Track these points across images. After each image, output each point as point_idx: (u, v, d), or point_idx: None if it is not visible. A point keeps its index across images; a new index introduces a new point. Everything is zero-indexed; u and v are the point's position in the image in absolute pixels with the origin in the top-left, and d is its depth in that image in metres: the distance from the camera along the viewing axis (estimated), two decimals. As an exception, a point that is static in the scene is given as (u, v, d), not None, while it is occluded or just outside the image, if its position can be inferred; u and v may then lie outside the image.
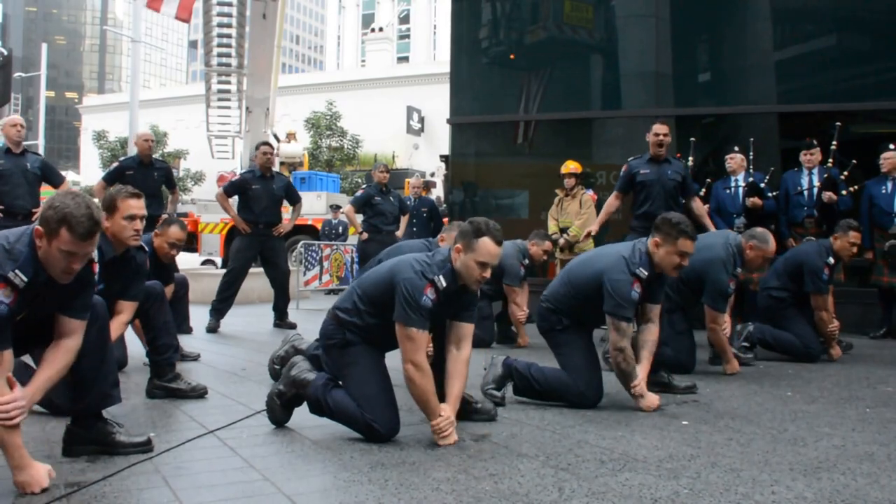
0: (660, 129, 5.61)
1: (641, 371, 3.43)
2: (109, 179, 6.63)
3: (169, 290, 4.33)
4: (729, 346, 4.47)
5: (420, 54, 64.84)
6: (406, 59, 63.44)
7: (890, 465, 2.52)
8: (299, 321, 6.83)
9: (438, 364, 3.01)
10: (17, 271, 2.12)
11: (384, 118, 38.51)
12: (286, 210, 6.97)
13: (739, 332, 4.94)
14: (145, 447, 2.56)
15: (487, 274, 2.78)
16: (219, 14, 13.85)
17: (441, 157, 16.57)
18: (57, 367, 2.32)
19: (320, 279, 10.29)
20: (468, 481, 2.29)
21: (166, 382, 3.56)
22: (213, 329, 6.29)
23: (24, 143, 6.51)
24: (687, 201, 5.67)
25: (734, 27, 7.86)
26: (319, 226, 13.50)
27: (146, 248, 3.55)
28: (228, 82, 14.49)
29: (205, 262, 14.27)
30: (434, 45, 65.72)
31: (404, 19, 68.58)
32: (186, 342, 4.99)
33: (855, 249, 5.05)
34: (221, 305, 6.41)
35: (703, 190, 6.56)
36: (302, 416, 2.99)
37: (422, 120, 39.84)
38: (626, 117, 8.11)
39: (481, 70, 9.02)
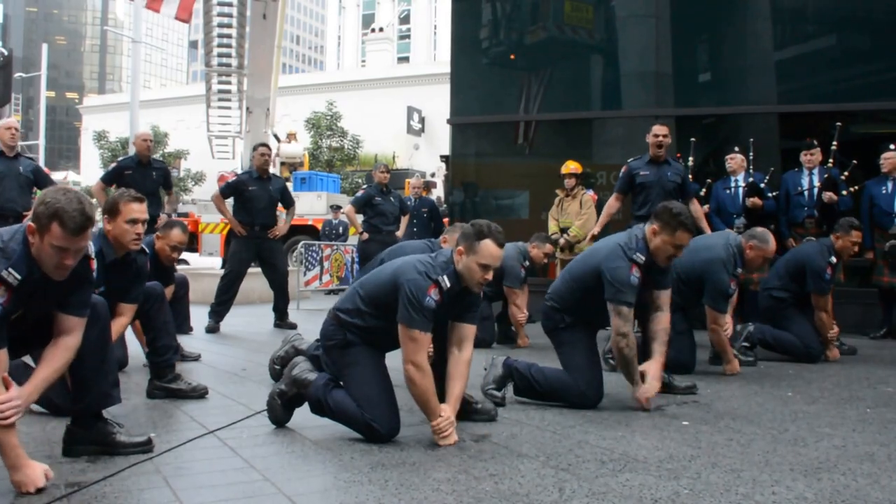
0: (659, 130, 5.62)
1: (654, 364, 3.41)
2: (108, 180, 6.64)
3: (169, 290, 4.33)
4: (730, 347, 4.47)
5: (420, 54, 64.86)
6: (406, 59, 63.46)
7: (890, 466, 2.51)
8: (300, 321, 6.83)
9: (439, 365, 3.01)
10: (10, 269, 2.11)
11: (384, 118, 38.52)
12: (282, 211, 6.97)
13: (740, 333, 4.94)
14: (145, 447, 2.56)
15: (489, 276, 2.78)
16: (219, 14, 13.87)
17: (441, 157, 16.58)
18: (55, 365, 2.32)
19: (320, 279, 10.29)
20: (468, 482, 2.29)
21: (166, 383, 3.56)
22: (212, 330, 6.29)
23: (25, 143, 6.54)
24: (685, 203, 5.68)
25: (734, 27, 7.86)
26: (320, 226, 13.50)
27: (147, 251, 3.55)
28: (229, 82, 14.51)
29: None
30: (434, 46, 65.75)
31: (405, 19, 68.59)
32: (187, 343, 5.00)
33: (857, 249, 5.06)
34: (220, 308, 6.41)
35: (704, 190, 6.57)
36: (302, 416, 3.00)
37: (422, 120, 39.85)
38: (626, 117, 8.11)
39: (482, 70, 9.03)
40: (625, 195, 5.88)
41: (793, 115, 7.41)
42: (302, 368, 3.00)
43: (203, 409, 3.36)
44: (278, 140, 17.90)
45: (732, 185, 6.34)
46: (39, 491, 2.14)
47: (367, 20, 70.53)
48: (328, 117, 34.30)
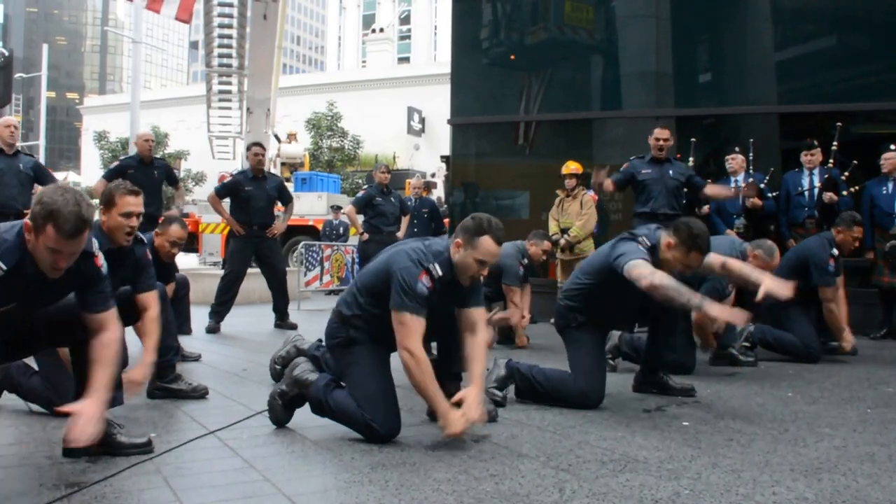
0: (660, 133, 5.63)
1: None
2: (110, 177, 6.64)
3: (170, 288, 4.33)
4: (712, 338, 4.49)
5: (421, 55, 64.87)
6: (407, 59, 63.46)
7: (891, 466, 2.51)
8: (300, 322, 6.83)
9: (441, 360, 3.03)
10: None
11: (385, 119, 38.49)
12: (280, 210, 6.97)
13: (740, 333, 4.94)
14: (146, 448, 2.56)
15: (485, 271, 2.79)
16: (219, 15, 13.87)
17: (442, 157, 16.58)
18: (109, 362, 2.35)
19: (321, 280, 10.29)
20: (469, 482, 2.29)
21: (167, 383, 3.56)
22: (213, 330, 6.30)
23: (26, 143, 6.53)
24: (697, 195, 5.76)
25: (734, 27, 7.86)
26: (320, 226, 13.50)
27: (145, 240, 3.54)
28: (229, 83, 14.51)
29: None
30: (435, 46, 65.76)
31: (405, 20, 68.60)
32: (187, 343, 5.00)
33: (857, 244, 5.06)
34: (221, 308, 6.42)
35: (704, 191, 6.57)
36: (303, 416, 3.00)
37: (422, 120, 39.83)
38: (626, 118, 8.12)
39: (482, 71, 9.03)
40: (620, 190, 5.90)
41: (793, 115, 7.41)
42: (303, 369, 3.00)
43: (203, 409, 3.36)
44: (279, 140, 17.91)
45: (732, 185, 6.34)
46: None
47: (368, 20, 70.54)
48: (328, 118, 34.29)
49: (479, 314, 2.91)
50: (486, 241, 2.72)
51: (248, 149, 6.75)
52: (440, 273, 2.74)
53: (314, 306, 9.19)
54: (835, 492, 2.23)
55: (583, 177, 7.23)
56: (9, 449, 2.66)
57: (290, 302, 6.97)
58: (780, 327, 5.06)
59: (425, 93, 39.08)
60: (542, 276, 7.30)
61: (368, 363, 2.84)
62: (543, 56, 8.60)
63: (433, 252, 2.80)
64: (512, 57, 8.82)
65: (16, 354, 2.63)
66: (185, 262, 13.73)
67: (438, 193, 15.35)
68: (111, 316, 2.39)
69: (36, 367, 3.20)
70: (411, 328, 2.67)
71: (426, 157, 31.95)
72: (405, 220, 8.01)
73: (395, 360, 2.91)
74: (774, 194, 6.31)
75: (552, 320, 7.11)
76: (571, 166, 7.08)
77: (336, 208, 13.40)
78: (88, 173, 43.71)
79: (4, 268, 2.11)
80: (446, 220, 9.29)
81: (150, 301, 3.31)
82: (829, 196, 5.95)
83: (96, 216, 2.66)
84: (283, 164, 17.68)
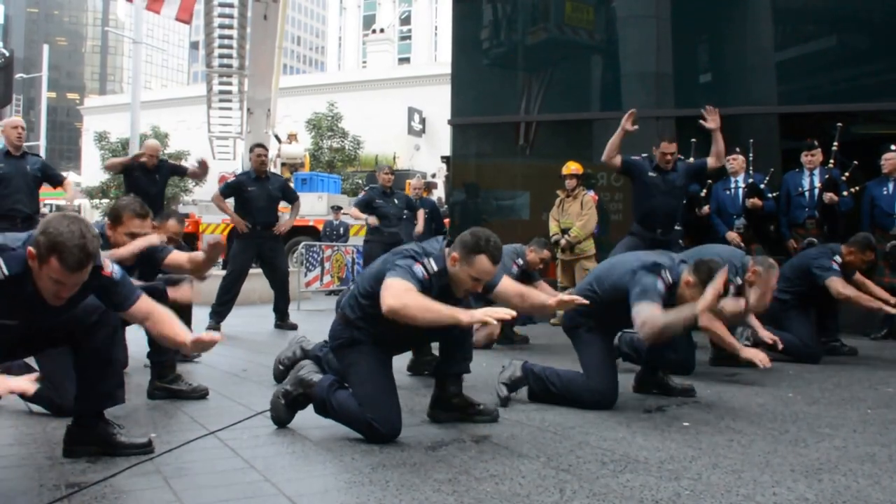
0: (667, 147, 5.55)
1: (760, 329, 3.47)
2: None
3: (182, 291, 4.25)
4: (730, 337, 4.41)
5: (421, 55, 64.84)
6: (407, 60, 63.44)
7: (891, 467, 2.51)
8: (300, 322, 6.83)
9: (441, 359, 3.05)
10: (1, 261, 2.09)
11: (385, 119, 38.48)
12: (284, 210, 6.98)
13: (740, 333, 4.93)
14: (146, 448, 2.56)
15: (479, 287, 2.81)
16: (220, 15, 13.88)
17: (442, 158, 16.58)
18: (171, 322, 2.47)
19: (321, 280, 10.29)
20: (469, 482, 2.29)
21: (167, 383, 3.56)
22: (213, 330, 6.29)
23: (27, 143, 6.51)
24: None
25: (735, 28, 7.86)
26: (320, 227, 13.50)
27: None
28: (230, 83, 14.51)
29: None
30: (435, 47, 65.72)
31: (405, 20, 68.59)
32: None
33: (865, 266, 5.04)
34: (221, 308, 6.42)
35: (704, 191, 6.56)
36: (303, 417, 3.00)
37: (423, 121, 39.82)
38: (626, 118, 8.11)
39: (482, 71, 9.03)
40: (622, 172, 5.75)
41: (793, 115, 7.41)
42: (308, 370, 3.02)
43: (204, 409, 3.36)
44: (279, 141, 17.90)
45: (732, 186, 6.34)
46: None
47: (368, 21, 70.53)
48: (329, 118, 34.27)
49: (508, 283, 3.06)
50: (482, 260, 2.72)
51: (251, 150, 6.76)
52: (435, 268, 2.76)
53: (314, 306, 9.19)
54: (835, 492, 2.23)
55: (583, 177, 7.23)
56: (9, 449, 2.66)
57: (290, 302, 6.98)
58: (780, 327, 5.05)
59: (426, 93, 39.06)
60: (542, 276, 7.29)
61: (370, 363, 2.84)
62: (544, 56, 8.60)
63: (427, 251, 2.83)
64: (512, 57, 8.82)
65: (16, 355, 2.63)
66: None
67: (439, 194, 15.36)
68: (145, 304, 2.44)
69: (36, 368, 3.20)
70: (394, 286, 2.63)
71: (426, 158, 31.93)
72: (420, 215, 8.10)
73: (396, 360, 2.91)
74: (775, 195, 6.31)
75: (552, 321, 7.14)
76: (572, 167, 7.08)
77: (336, 209, 13.39)
78: (89, 173, 43.71)
79: (6, 272, 2.09)
80: (446, 220, 9.28)
81: (181, 258, 3.42)
82: (829, 196, 5.95)
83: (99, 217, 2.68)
84: (283, 164, 17.67)
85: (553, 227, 7.07)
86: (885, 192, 6.09)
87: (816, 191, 6.08)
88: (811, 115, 7.27)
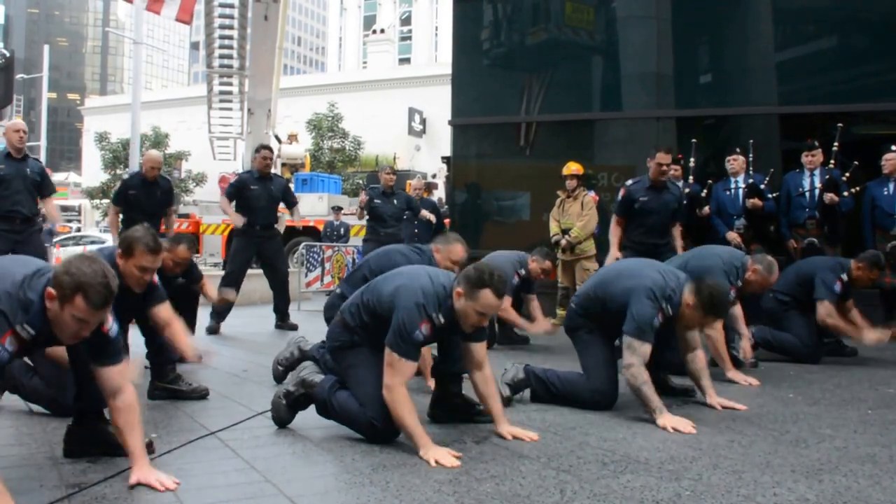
0: (664, 158, 5.47)
1: (710, 396, 3.51)
2: (116, 201, 6.56)
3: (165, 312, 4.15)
4: (726, 353, 4.39)
5: (421, 56, 64.84)
6: (408, 60, 63.44)
7: (892, 467, 2.51)
8: (300, 322, 6.83)
9: (440, 359, 3.05)
10: (25, 326, 2.11)
11: (386, 120, 38.47)
12: (282, 211, 6.97)
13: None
14: (146, 449, 2.56)
15: (485, 322, 2.79)
16: (220, 16, 13.90)
17: (443, 158, 16.59)
18: (137, 425, 2.35)
19: (322, 280, 10.29)
20: (470, 483, 2.29)
21: (167, 384, 3.56)
22: (213, 331, 6.30)
23: (27, 144, 6.47)
24: (671, 226, 5.70)
25: (735, 28, 7.86)
26: (321, 227, 13.51)
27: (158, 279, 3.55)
28: (230, 84, 14.53)
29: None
30: (436, 47, 65.71)
31: (406, 21, 68.59)
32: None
33: (871, 284, 5.04)
34: (221, 308, 6.41)
35: (705, 191, 6.56)
36: (304, 418, 3.00)
37: (423, 121, 39.81)
38: (627, 119, 8.11)
39: (483, 71, 9.03)
40: (626, 218, 5.79)
41: (794, 116, 7.40)
42: (310, 371, 3.04)
43: (204, 410, 3.36)
44: (279, 141, 17.90)
45: (732, 186, 6.33)
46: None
47: (369, 21, 70.52)
48: (329, 118, 34.28)
49: (482, 349, 2.95)
50: (487, 295, 2.69)
51: (257, 151, 6.75)
52: (442, 322, 2.75)
53: (315, 307, 9.18)
54: (836, 493, 2.23)
55: (583, 177, 7.23)
56: (9, 449, 2.66)
57: (290, 302, 6.98)
58: (780, 328, 5.06)
59: (426, 94, 39.06)
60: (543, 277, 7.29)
61: (370, 363, 2.85)
62: (544, 57, 8.60)
63: (441, 295, 2.77)
64: (513, 58, 8.82)
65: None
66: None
67: (439, 194, 15.35)
68: (122, 373, 2.39)
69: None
70: (398, 370, 2.69)
71: (427, 158, 31.92)
72: (427, 215, 8.16)
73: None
74: (775, 195, 6.30)
75: (552, 321, 7.13)
76: (572, 167, 7.07)
77: (337, 209, 13.39)
78: (89, 174, 43.74)
79: (32, 333, 2.13)
80: (447, 221, 9.29)
81: (168, 314, 3.35)
82: (829, 197, 5.95)
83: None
84: (283, 164, 17.68)
85: (553, 228, 7.06)
86: (885, 193, 6.08)
87: (817, 191, 6.07)
88: (811, 115, 7.27)
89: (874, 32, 7.27)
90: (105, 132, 37.87)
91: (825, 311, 4.80)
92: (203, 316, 6.32)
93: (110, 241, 10.52)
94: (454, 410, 3.12)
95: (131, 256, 3.21)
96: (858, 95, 7.24)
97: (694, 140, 6.83)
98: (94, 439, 2.54)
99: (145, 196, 6.43)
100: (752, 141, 6.53)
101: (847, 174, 6.16)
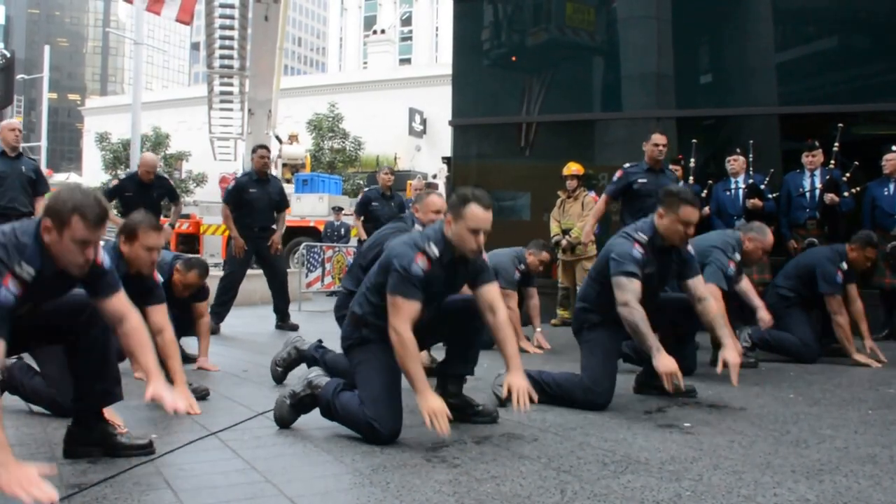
0: (659, 139, 5.56)
1: (728, 348, 3.42)
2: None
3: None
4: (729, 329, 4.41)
5: (422, 56, 64.85)
6: (408, 60, 63.46)
7: (892, 468, 2.51)
8: (301, 323, 6.83)
9: (443, 360, 3.05)
10: (23, 264, 2.15)
11: (386, 120, 38.47)
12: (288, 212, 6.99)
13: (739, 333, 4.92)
14: (147, 449, 2.56)
15: (482, 240, 2.81)
16: (221, 16, 13.91)
17: (443, 158, 16.61)
18: (146, 345, 2.47)
19: (322, 281, 10.30)
20: (470, 483, 2.29)
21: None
22: (213, 331, 6.29)
23: (28, 144, 6.52)
24: None
25: (735, 29, 7.86)
26: (321, 228, 13.51)
27: (161, 279, 3.58)
28: (231, 84, 14.54)
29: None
30: (436, 47, 65.72)
31: (406, 21, 68.59)
32: (187, 344, 4.99)
33: (869, 264, 5.04)
34: (220, 309, 6.42)
35: (705, 192, 6.56)
36: (304, 418, 3.00)
37: (424, 122, 39.80)
38: (627, 119, 8.11)
39: (483, 72, 9.03)
40: (615, 200, 5.84)
41: (794, 116, 7.40)
42: (318, 373, 3.05)
43: (204, 410, 3.35)
44: (280, 141, 17.91)
45: (732, 186, 6.34)
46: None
47: (369, 22, 70.51)
48: (330, 119, 34.28)
49: (493, 290, 2.95)
50: (473, 208, 2.75)
51: (254, 151, 6.77)
52: (436, 253, 2.77)
53: (315, 307, 9.19)
54: (836, 493, 2.23)
55: (584, 178, 7.23)
56: (10, 450, 2.66)
57: (290, 303, 6.98)
58: (780, 327, 5.05)
59: (426, 94, 39.05)
60: (544, 277, 7.29)
61: (376, 362, 2.85)
62: (544, 57, 8.61)
63: (427, 233, 2.85)
64: (513, 59, 8.82)
65: (10, 351, 2.63)
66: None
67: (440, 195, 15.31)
68: (123, 301, 2.48)
69: (37, 368, 3.20)
70: (402, 310, 2.70)
71: (427, 159, 31.92)
72: None
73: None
74: (775, 195, 6.31)
75: (553, 321, 7.14)
76: (573, 167, 7.08)
77: (337, 210, 13.40)
78: (90, 174, 43.73)
79: (32, 272, 2.17)
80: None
81: (162, 320, 3.24)
82: (830, 197, 5.95)
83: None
84: (284, 165, 17.70)
85: (554, 228, 7.07)
86: (886, 193, 6.08)
87: (817, 191, 6.07)
88: (812, 115, 7.26)
89: (874, 32, 7.27)
90: (105, 133, 37.92)
91: (834, 306, 4.81)
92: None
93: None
94: (453, 411, 3.12)
95: (136, 238, 3.31)
96: (859, 96, 7.24)
97: (694, 140, 6.83)
98: (93, 440, 2.53)
99: (140, 198, 6.47)
100: (752, 141, 6.53)
101: (847, 174, 6.16)
